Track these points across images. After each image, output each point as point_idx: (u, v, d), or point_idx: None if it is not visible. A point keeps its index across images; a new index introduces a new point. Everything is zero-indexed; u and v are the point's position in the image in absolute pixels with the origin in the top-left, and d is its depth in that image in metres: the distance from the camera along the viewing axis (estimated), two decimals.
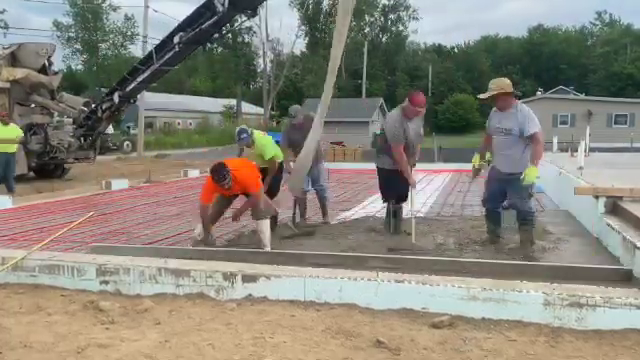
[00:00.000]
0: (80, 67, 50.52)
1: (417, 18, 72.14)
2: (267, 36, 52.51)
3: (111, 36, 45.44)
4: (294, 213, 6.97)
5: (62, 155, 14.63)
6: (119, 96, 12.29)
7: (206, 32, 10.05)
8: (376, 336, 3.41)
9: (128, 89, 12.12)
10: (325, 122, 6.11)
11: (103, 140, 18.45)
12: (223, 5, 9.11)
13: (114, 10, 44.24)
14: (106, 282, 4.57)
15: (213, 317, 3.85)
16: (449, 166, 15.66)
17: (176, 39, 10.28)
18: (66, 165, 15.48)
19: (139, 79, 11.70)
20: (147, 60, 11.72)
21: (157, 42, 12.05)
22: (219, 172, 5.20)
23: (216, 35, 10.63)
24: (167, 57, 10.84)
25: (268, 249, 5.50)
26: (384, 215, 6.63)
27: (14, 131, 11.40)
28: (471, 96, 57.44)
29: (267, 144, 6.52)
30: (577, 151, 9.68)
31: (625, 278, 4.31)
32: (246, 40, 56.85)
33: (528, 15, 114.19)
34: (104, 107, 12.92)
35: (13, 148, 11.19)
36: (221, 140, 37.77)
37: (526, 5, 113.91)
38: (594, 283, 3.95)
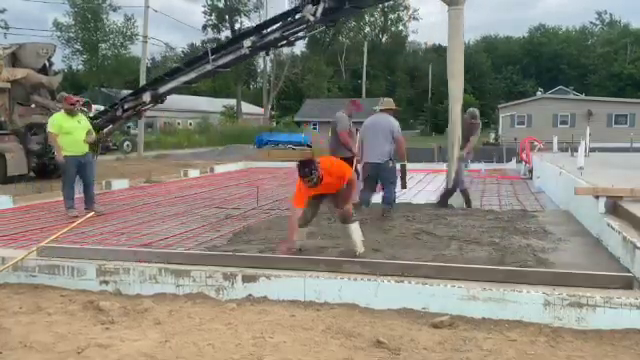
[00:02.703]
0: (80, 67, 50.53)
1: (417, 18, 72.32)
2: None
3: (111, 36, 45.42)
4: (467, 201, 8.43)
5: None
6: (151, 96, 11.98)
7: (281, 39, 9.89)
8: (376, 336, 3.41)
9: (164, 89, 11.76)
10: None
11: (103, 140, 18.23)
12: (314, 16, 8.90)
13: (114, 10, 44.31)
14: (106, 282, 4.58)
15: (213, 317, 3.86)
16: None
17: (247, 43, 9.94)
18: None
19: (183, 79, 11.26)
20: (195, 61, 11.46)
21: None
22: (305, 165, 4.91)
23: (285, 42, 10.48)
24: (227, 60, 10.59)
25: (359, 251, 5.11)
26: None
27: (84, 124, 8.48)
28: (471, 96, 57.47)
29: None
30: (577, 151, 9.67)
31: (626, 285, 4.18)
32: None
33: (566, 12, 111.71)
34: (126, 106, 12.58)
35: (86, 147, 8.35)
36: (221, 140, 37.78)
37: (564, 2, 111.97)
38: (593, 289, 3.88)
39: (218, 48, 10.99)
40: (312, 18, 8.92)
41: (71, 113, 8.32)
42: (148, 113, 14.09)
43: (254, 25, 10.66)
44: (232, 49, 10.44)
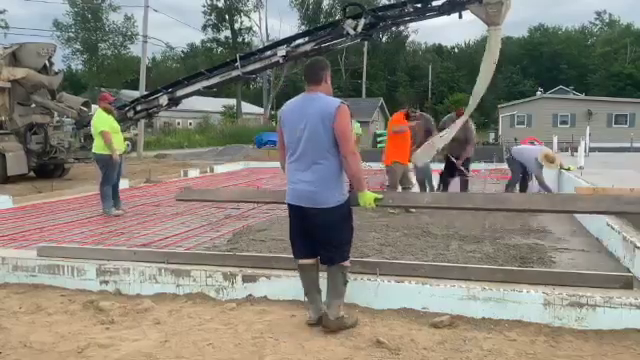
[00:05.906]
0: (80, 67, 50.55)
1: None
2: (267, 36, 52.59)
3: (111, 36, 45.42)
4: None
5: (62, 155, 14.64)
6: (169, 99, 11.81)
7: (315, 50, 9.90)
8: (376, 336, 3.42)
9: (182, 93, 11.62)
10: None
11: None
12: (355, 30, 9.07)
13: (114, 10, 44.28)
14: (106, 282, 4.58)
15: (213, 317, 3.86)
16: None
17: (281, 52, 10.00)
18: (66, 165, 15.49)
19: (205, 84, 11.20)
20: (221, 67, 11.38)
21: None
22: None
23: (317, 52, 10.54)
24: (257, 67, 10.59)
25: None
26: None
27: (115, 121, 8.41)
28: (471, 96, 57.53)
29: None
30: (577, 151, 9.69)
31: (626, 285, 4.17)
32: (246, 40, 56.98)
33: (596, 8, 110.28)
34: (139, 108, 12.42)
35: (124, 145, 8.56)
36: (221, 140, 37.78)
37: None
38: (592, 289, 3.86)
39: (248, 55, 11.03)
40: (352, 32, 9.10)
41: (107, 110, 8.12)
42: None
43: (288, 36, 10.71)
44: (264, 57, 10.47)
